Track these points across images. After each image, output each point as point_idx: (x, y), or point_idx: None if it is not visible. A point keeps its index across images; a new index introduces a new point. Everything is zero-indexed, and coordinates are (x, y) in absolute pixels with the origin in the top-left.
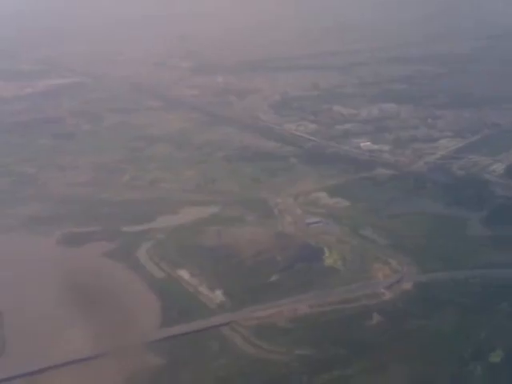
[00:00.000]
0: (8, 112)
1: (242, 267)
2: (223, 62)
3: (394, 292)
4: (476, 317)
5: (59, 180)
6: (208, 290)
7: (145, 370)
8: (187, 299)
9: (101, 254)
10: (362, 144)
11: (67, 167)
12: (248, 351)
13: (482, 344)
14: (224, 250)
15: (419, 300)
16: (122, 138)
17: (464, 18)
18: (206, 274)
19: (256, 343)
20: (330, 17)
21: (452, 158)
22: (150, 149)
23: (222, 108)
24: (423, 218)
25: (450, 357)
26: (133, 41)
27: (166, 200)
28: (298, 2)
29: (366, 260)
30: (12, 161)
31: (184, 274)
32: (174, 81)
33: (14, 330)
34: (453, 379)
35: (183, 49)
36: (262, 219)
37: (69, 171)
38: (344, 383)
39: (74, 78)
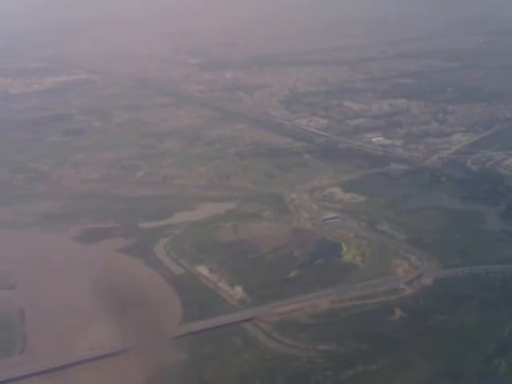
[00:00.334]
0: (17, 109)
1: (260, 263)
2: (230, 57)
3: (414, 287)
4: (498, 312)
5: (73, 176)
6: (228, 285)
7: (169, 366)
8: (207, 295)
9: (118, 250)
10: (374, 139)
11: (80, 164)
12: (271, 347)
13: (506, 339)
14: (242, 246)
15: (440, 295)
16: (133, 135)
17: (468, 12)
18: (225, 269)
19: (278, 339)
20: (332, 12)
21: (466, 153)
22: (162, 145)
23: (232, 104)
24: (440, 212)
25: (474, 352)
26: (137, 38)
27: (182, 196)
28: None
29: (385, 255)
30: (25, 158)
31: (203, 269)
32: (182, 77)
33: (36, 326)
34: (478, 375)
35: (189, 45)
36: (278, 215)
37: (82, 168)
38: (369, 379)
39: (80, 75)
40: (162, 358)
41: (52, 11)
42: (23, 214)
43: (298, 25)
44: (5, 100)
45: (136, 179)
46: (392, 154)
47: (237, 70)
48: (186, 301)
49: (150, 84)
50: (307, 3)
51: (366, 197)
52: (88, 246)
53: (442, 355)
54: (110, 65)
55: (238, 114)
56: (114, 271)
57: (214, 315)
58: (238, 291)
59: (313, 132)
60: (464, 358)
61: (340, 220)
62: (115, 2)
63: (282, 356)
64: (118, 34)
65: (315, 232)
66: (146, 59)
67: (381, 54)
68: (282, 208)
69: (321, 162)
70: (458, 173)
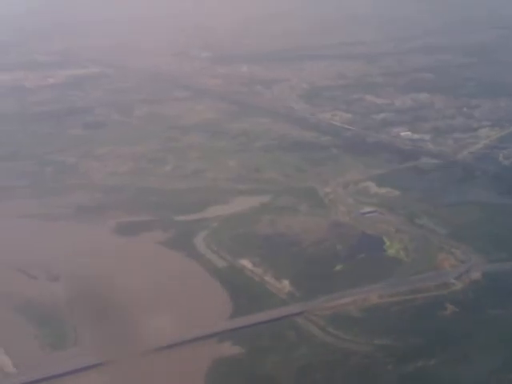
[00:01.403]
0: (34, 102)
1: (303, 256)
2: (243, 52)
3: (463, 282)
4: None
5: (100, 169)
6: (274, 279)
7: (226, 359)
8: (254, 289)
9: (158, 243)
10: (402, 133)
11: (105, 157)
12: (327, 341)
13: None
14: (281, 239)
15: (490, 290)
16: (155, 128)
17: (468, 11)
18: (269, 263)
19: (333, 333)
20: (339, 8)
21: (496, 148)
22: (186, 138)
23: (251, 97)
24: (478, 207)
25: None
26: (146, 34)
27: (213, 189)
28: None
29: (429, 250)
30: (48, 150)
31: (246, 263)
32: (196, 71)
33: (85, 319)
34: None
35: (200, 39)
36: (315, 208)
37: (108, 161)
38: (430, 373)
39: (94, 69)
40: (217, 351)
41: (60, 10)
42: (56, 207)
43: (305, 21)
44: (21, 93)
45: (165, 172)
46: (421, 148)
47: (251, 64)
48: (233, 294)
49: (165, 78)
50: (311, 1)
51: (401, 191)
52: (127, 238)
53: (500, 349)
54: (122, 59)
55: (258, 107)
56: (157, 264)
57: (264, 309)
58: (286, 285)
59: (338, 126)
60: None
61: (378, 214)
62: (122, 3)
63: (339, 350)
64: (127, 30)
65: (354, 226)
66: (157, 53)
67: (394, 49)
68: (317, 202)
69: (349, 156)
70: (491, 167)
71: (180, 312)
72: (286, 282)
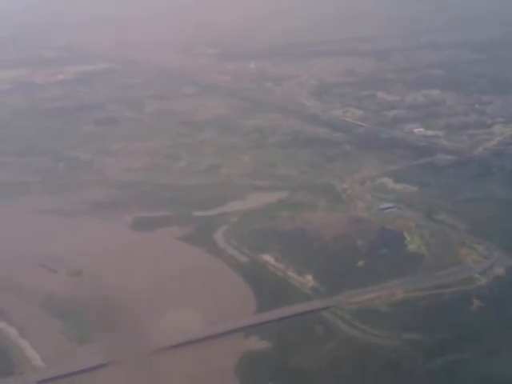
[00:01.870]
0: (44, 98)
1: (324, 251)
2: (249, 48)
3: (487, 277)
4: None
5: (115, 165)
6: (297, 274)
7: (254, 354)
8: (278, 284)
9: (177, 239)
10: (415, 130)
11: (119, 153)
12: (355, 335)
13: None
14: (301, 235)
15: None
16: (166, 124)
17: (479, 6)
18: (290, 258)
19: (360, 327)
20: (339, 6)
21: (510, 144)
22: (199, 135)
23: (261, 94)
24: (496, 203)
25: None
26: (150, 30)
27: (230, 185)
28: None
29: (451, 245)
30: (62, 146)
31: (268, 258)
32: (203, 67)
33: (109, 314)
34: None
35: (204, 36)
36: (333, 204)
37: (122, 157)
38: (460, 368)
39: (102, 65)
40: (245, 345)
41: (59, 7)
42: (72, 202)
43: (307, 18)
44: (31, 89)
45: (179, 168)
46: (436, 144)
47: (259, 61)
48: (257, 289)
49: (173, 74)
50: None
51: (418, 187)
52: (145, 234)
53: None
54: (129, 55)
55: (269, 103)
56: (178, 259)
57: (289, 304)
58: (309, 280)
59: (350, 122)
60: None
61: (396, 210)
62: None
63: (367, 345)
64: (129, 27)
65: (374, 221)
66: (162, 50)
67: (401, 46)
68: (335, 198)
69: (363, 152)
70: (507, 163)
71: (205, 307)
72: (309, 277)
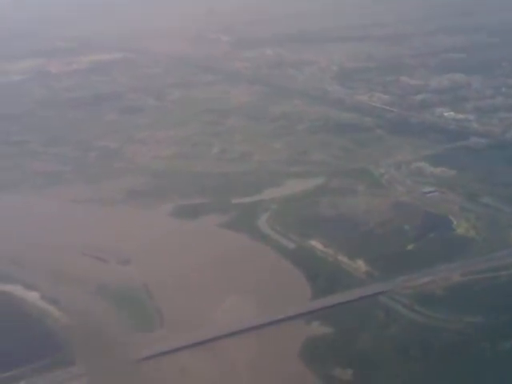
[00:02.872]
0: (63, 88)
1: (372, 236)
2: (263, 34)
3: None
4: None
5: (145, 154)
6: (348, 259)
7: (317, 339)
8: (330, 269)
9: (219, 226)
10: (445, 114)
11: (148, 141)
12: (416, 319)
13: None
14: (346, 220)
15: None
16: (192, 112)
17: None
18: (338, 243)
19: (421, 311)
20: None
21: None
22: (226, 122)
23: (283, 80)
24: None
25: None
26: (160, 18)
27: (265, 172)
28: None
29: (498, 228)
30: (89, 136)
31: (316, 243)
32: (221, 54)
33: (165, 301)
34: None
35: (217, 23)
36: (373, 189)
37: (151, 145)
38: None
39: (119, 54)
40: (307, 332)
41: None
42: (108, 191)
43: (320, 2)
44: (47, 79)
45: (212, 155)
46: (467, 128)
47: (275, 47)
48: (310, 275)
49: (190, 62)
50: None
51: (457, 170)
52: (187, 222)
53: None
54: (142, 43)
55: (292, 90)
56: (224, 246)
57: (344, 289)
58: (361, 265)
59: (378, 107)
60: None
61: (438, 194)
62: None
63: (430, 328)
64: (138, 14)
65: (418, 206)
66: (175, 37)
67: (418, 30)
68: (374, 182)
69: (395, 136)
70: None
71: (260, 293)
72: (360, 262)
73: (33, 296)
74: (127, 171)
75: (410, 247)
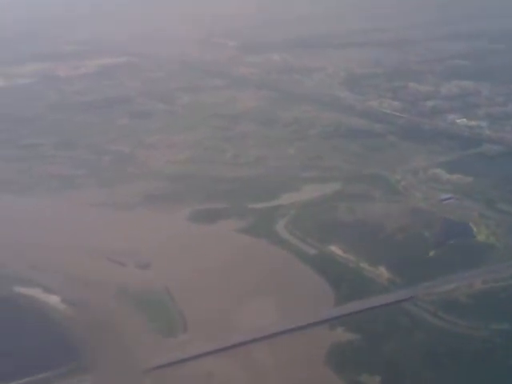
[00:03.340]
0: (72, 92)
1: (392, 243)
2: (268, 39)
3: None
4: None
5: (159, 158)
6: (369, 265)
7: (343, 344)
8: (352, 275)
9: (238, 231)
10: (457, 120)
11: (160, 145)
12: (443, 326)
13: None
14: (365, 226)
15: None
16: (202, 117)
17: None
18: (359, 249)
19: (446, 318)
20: None
21: None
22: (237, 127)
23: (291, 85)
24: None
25: None
26: (164, 21)
27: (280, 177)
28: None
29: None
30: (101, 140)
31: (336, 249)
32: (227, 59)
33: (187, 305)
34: None
35: (222, 27)
36: (390, 195)
37: (163, 149)
38: None
39: (123, 58)
40: (332, 338)
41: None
42: (124, 195)
43: (319, 5)
44: (55, 83)
45: (226, 160)
46: (481, 135)
47: (281, 53)
48: (332, 281)
49: (197, 66)
50: None
51: (473, 177)
52: (205, 226)
53: None
54: (149, 47)
55: (300, 95)
56: (245, 251)
57: (367, 295)
58: (383, 271)
59: (389, 113)
60: None
61: (456, 200)
62: None
63: (457, 335)
64: (144, 17)
65: (436, 212)
66: (181, 41)
67: (420, 36)
68: (390, 189)
69: (409, 143)
70: None
71: (283, 298)
72: (382, 269)
73: (54, 299)
74: (142, 175)
75: (431, 254)
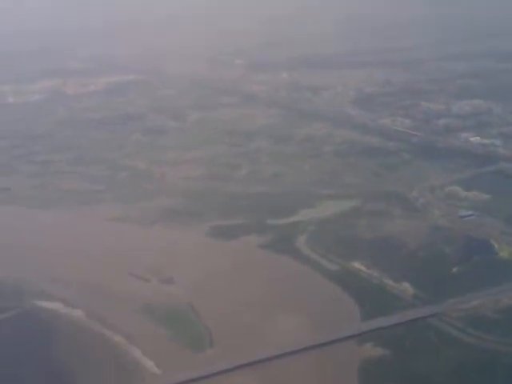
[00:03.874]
0: (82, 108)
1: (414, 259)
2: (275, 58)
3: None
4: None
5: (175, 174)
6: (393, 282)
7: (373, 360)
8: (376, 291)
9: (259, 247)
10: (471, 139)
11: (175, 162)
12: (470, 342)
13: None
14: (386, 243)
15: None
16: (215, 134)
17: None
18: (382, 266)
19: (474, 334)
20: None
21: None
22: (251, 144)
23: (301, 103)
24: None
25: None
26: (171, 38)
27: (297, 193)
28: None
29: None
30: (116, 156)
31: (359, 265)
32: (236, 77)
33: (212, 320)
34: None
35: (229, 45)
36: (409, 212)
37: (179, 166)
38: None
39: (132, 76)
40: (361, 353)
41: (75, 14)
42: (142, 211)
43: (324, 23)
44: (65, 100)
45: (242, 177)
46: (495, 153)
47: (289, 71)
48: (356, 297)
49: (206, 84)
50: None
51: (491, 194)
52: (225, 242)
53: None
54: (158, 65)
55: (312, 113)
56: (267, 267)
57: (393, 312)
58: (407, 287)
59: (402, 132)
60: None
61: (476, 217)
62: (135, 6)
63: (486, 351)
64: (149, 35)
65: (456, 229)
66: (188, 59)
67: (429, 55)
68: (409, 206)
69: (424, 161)
70: None
71: (309, 314)
72: (406, 285)
73: (78, 314)
74: (158, 191)
75: (454, 270)
